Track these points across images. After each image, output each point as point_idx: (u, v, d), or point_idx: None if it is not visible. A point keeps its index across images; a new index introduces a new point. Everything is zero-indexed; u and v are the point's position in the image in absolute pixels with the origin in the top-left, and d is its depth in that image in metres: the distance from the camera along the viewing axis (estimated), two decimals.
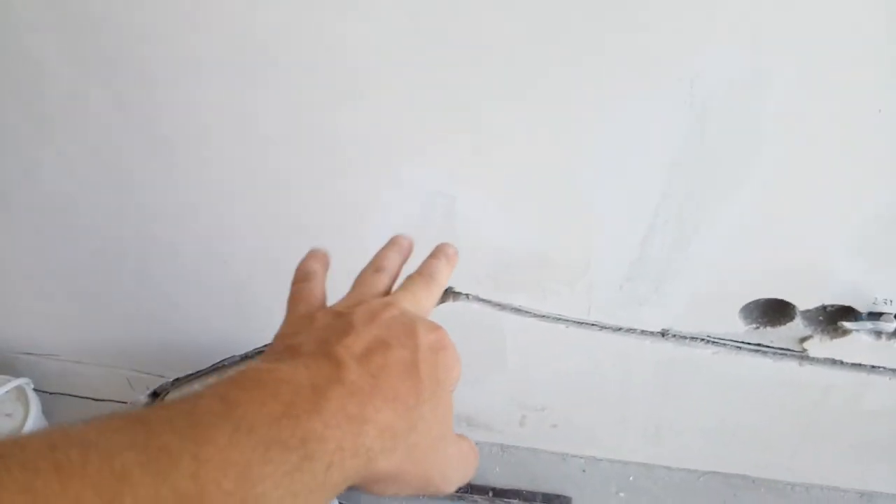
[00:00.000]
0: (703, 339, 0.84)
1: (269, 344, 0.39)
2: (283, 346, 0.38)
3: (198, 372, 1.05)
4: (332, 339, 0.37)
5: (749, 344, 0.84)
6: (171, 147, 0.73)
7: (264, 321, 0.93)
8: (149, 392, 1.11)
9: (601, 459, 1.05)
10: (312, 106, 0.67)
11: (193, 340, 1.00)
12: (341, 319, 0.39)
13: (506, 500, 0.99)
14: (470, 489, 1.00)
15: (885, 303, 0.75)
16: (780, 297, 0.77)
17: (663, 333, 0.85)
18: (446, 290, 0.84)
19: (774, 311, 0.81)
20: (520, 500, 0.99)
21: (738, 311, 0.79)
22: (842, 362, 0.83)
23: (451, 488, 0.42)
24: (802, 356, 0.83)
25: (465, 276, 0.82)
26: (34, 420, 0.99)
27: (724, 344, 0.84)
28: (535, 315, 0.85)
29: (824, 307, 0.77)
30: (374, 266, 0.48)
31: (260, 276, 0.87)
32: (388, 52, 0.61)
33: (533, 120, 0.64)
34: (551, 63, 0.59)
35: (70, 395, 1.14)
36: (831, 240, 0.69)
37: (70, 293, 0.95)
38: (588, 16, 0.55)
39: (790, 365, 0.84)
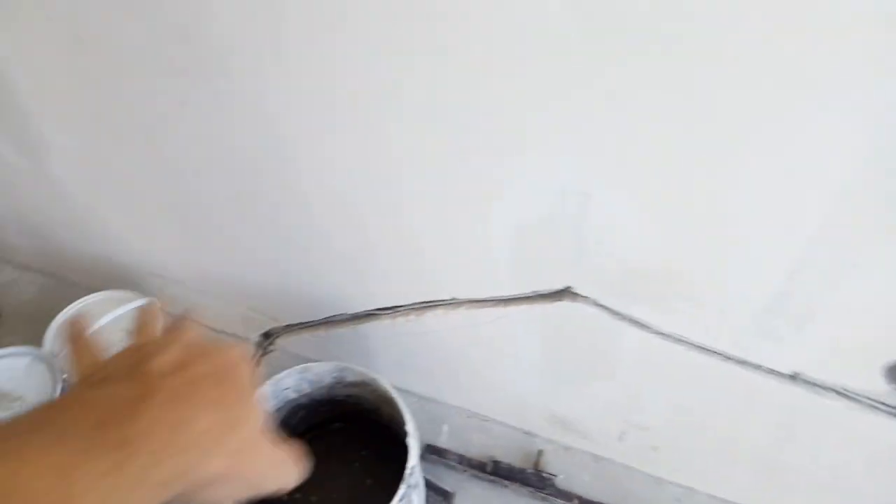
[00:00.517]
0: (836, 391, 0.76)
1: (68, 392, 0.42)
2: (93, 381, 0.40)
3: (309, 322, 1.08)
4: (141, 361, 0.41)
5: (889, 406, 0.75)
6: (327, 106, 0.73)
7: (380, 286, 0.94)
8: (261, 332, 1.15)
9: (700, 492, 0.99)
10: (451, 79, 0.64)
11: (310, 292, 1.01)
12: (144, 348, 0.43)
13: None
14: (558, 493, 0.96)
15: None
16: None
17: (793, 376, 0.77)
18: (564, 290, 0.81)
19: None
20: None
21: (882, 368, 0.71)
22: None
23: (272, 487, 0.46)
24: None
25: (587, 278, 0.78)
26: None
27: (860, 400, 0.76)
28: (655, 332, 0.80)
29: None
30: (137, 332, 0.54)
31: (384, 244, 0.87)
32: (536, 25, 0.57)
33: (691, 119, 0.59)
34: (724, 62, 0.54)
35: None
36: None
37: (204, 227, 0.99)
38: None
39: None
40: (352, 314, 1.01)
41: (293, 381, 0.95)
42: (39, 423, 0.35)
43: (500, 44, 0.59)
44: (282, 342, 1.14)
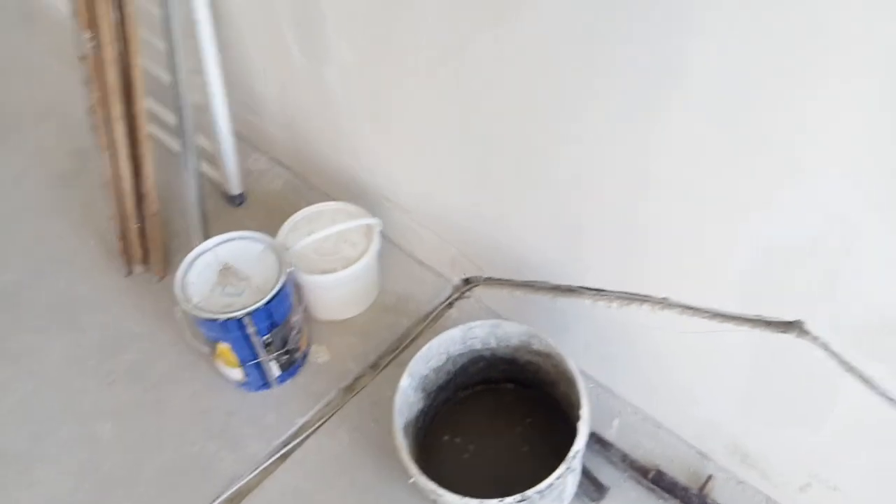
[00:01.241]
0: None
1: None
2: None
3: (511, 280, 1.09)
4: None
5: None
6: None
7: (593, 265, 0.92)
8: (463, 277, 1.18)
9: None
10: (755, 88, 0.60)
11: (522, 253, 1.02)
12: None
13: None
14: None
15: None
16: None
17: None
18: (794, 323, 0.75)
19: None
20: None
21: None
22: None
23: None
24: None
25: (826, 317, 0.71)
26: (370, 257, 1.10)
27: None
28: (885, 395, 0.72)
29: None
30: None
31: (608, 226, 0.85)
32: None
33: None
34: None
35: (404, 249, 1.25)
36: None
37: (444, 168, 1.02)
38: None
39: None
40: (554, 284, 1.00)
41: (483, 332, 0.96)
42: None
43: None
44: (479, 292, 1.16)
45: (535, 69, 0.79)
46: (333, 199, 1.17)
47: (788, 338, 0.75)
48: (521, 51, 0.78)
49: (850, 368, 0.72)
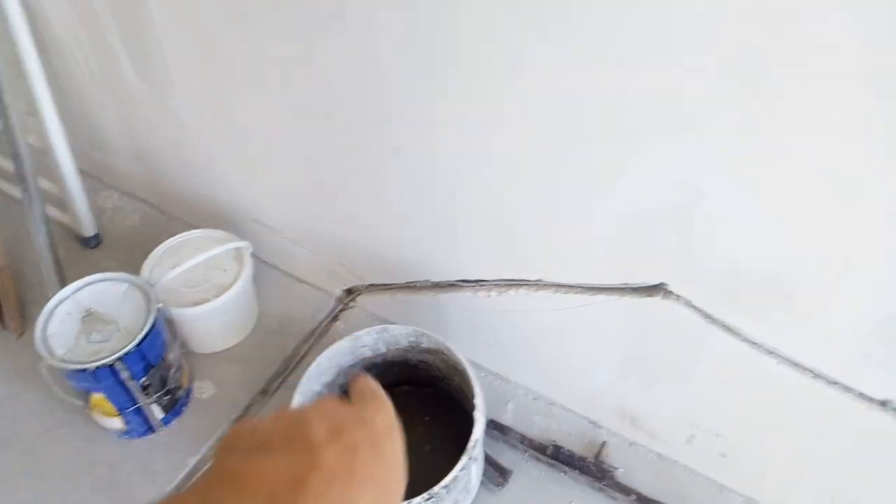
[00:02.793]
0: None
1: (229, 435, 0.41)
2: (251, 447, 0.38)
3: (392, 284, 1.08)
4: (298, 428, 0.39)
5: None
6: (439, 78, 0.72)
7: (468, 258, 0.93)
8: (343, 288, 1.16)
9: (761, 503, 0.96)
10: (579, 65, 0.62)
11: (399, 256, 1.01)
12: (298, 413, 0.41)
13: None
14: (616, 486, 0.95)
15: None
16: None
17: (883, 403, 0.73)
18: (658, 286, 0.78)
19: None
20: None
21: None
22: None
23: None
24: None
25: (686, 277, 0.75)
26: (244, 281, 1.06)
27: None
28: (747, 340, 0.77)
29: None
30: None
31: (477, 219, 0.86)
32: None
33: (837, 110, 0.55)
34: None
35: (279, 268, 1.21)
36: None
37: (306, 180, 1.00)
38: None
39: None
40: (434, 282, 1.01)
41: (371, 339, 0.95)
42: (200, 501, 0.34)
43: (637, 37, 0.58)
44: (363, 300, 1.14)
45: (368, 73, 0.78)
46: (197, 227, 1.11)
47: (655, 301, 0.79)
48: (363, 58, 0.78)
49: (714, 321, 0.77)
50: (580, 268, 0.83)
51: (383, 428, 0.43)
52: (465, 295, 0.98)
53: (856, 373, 0.72)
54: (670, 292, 0.78)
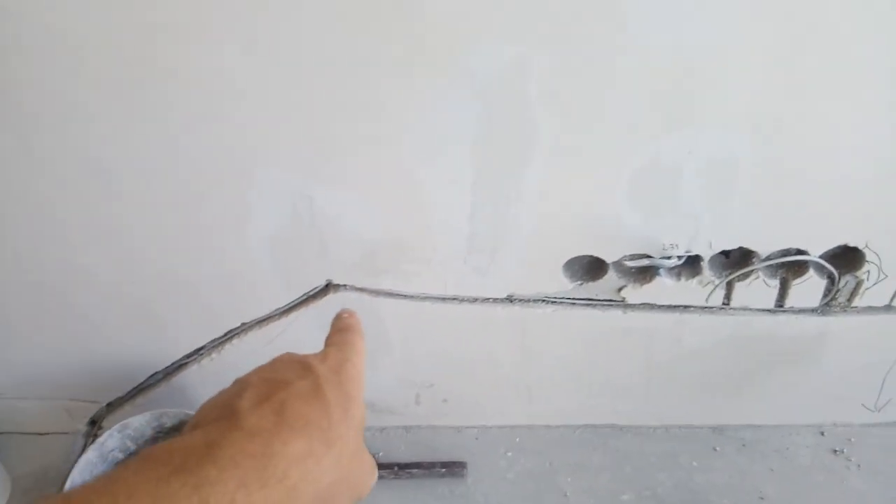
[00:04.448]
0: (541, 300, 0.98)
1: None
2: (184, 431, 0.38)
3: (128, 394, 1.14)
4: (229, 400, 0.39)
5: (579, 299, 0.97)
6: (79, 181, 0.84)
7: (179, 336, 1.04)
8: (87, 421, 1.19)
9: (491, 427, 1.16)
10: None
11: (118, 363, 1.07)
12: (238, 384, 0.41)
13: (409, 471, 1.09)
14: (378, 466, 1.09)
15: (672, 247, 0.89)
16: (589, 253, 0.91)
17: (510, 299, 0.97)
18: (327, 285, 0.96)
19: (593, 267, 0.95)
20: (421, 469, 1.09)
21: (562, 271, 0.93)
22: (656, 305, 0.97)
23: (367, 493, 0.45)
24: (624, 305, 0.97)
25: (338, 267, 0.94)
26: None
27: (560, 302, 0.98)
28: (405, 296, 0.97)
29: (630, 257, 0.92)
30: None
31: (165, 292, 0.97)
32: (237, 74, 0.74)
33: (362, 118, 0.77)
34: (371, 74, 0.73)
35: (17, 432, 1.20)
36: (613, 196, 0.84)
37: (4, 331, 1.04)
38: (391, 32, 0.70)
39: (616, 314, 0.98)
40: (163, 370, 1.09)
41: (116, 442, 0.99)
42: (98, 489, 0.32)
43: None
44: (110, 420, 1.18)
45: None
46: None
47: (330, 297, 0.96)
48: None
49: (376, 292, 0.96)
50: (267, 298, 0.98)
51: (329, 370, 0.43)
52: (192, 369, 1.07)
53: (479, 285, 0.95)
54: (337, 285, 0.96)
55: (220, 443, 0.35)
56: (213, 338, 1.04)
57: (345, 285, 0.96)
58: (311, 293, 0.97)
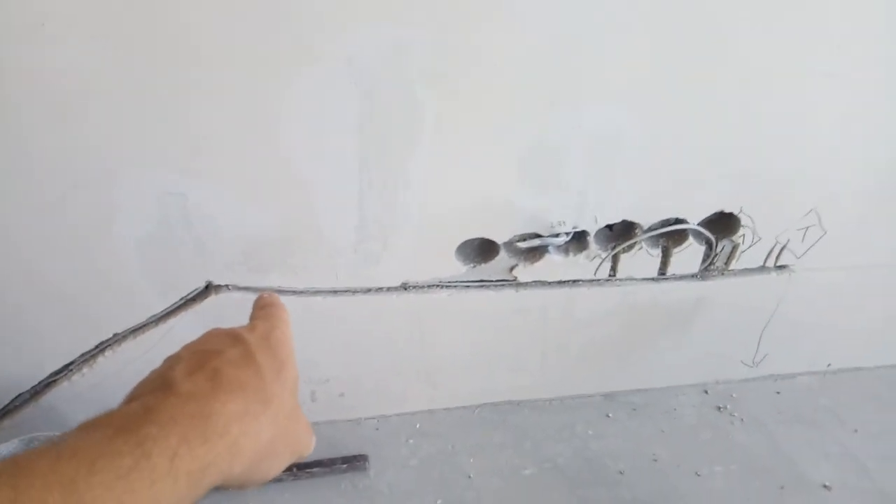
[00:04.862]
0: (436, 285, 0.96)
1: None
2: (122, 402, 0.39)
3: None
4: (162, 373, 0.41)
5: (473, 282, 0.96)
6: None
7: (39, 348, 0.94)
8: None
9: (390, 416, 1.14)
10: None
11: None
12: (169, 360, 0.43)
13: (309, 470, 1.05)
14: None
15: (560, 224, 0.90)
16: (480, 235, 0.90)
17: (404, 286, 0.95)
18: (207, 287, 0.90)
19: (484, 249, 0.94)
20: (321, 467, 1.05)
21: (454, 255, 0.92)
22: (547, 282, 0.98)
23: (306, 452, 0.47)
24: (516, 283, 0.97)
25: (217, 267, 0.87)
26: None
27: (455, 286, 0.96)
28: (293, 292, 0.93)
29: (521, 237, 0.92)
30: None
31: (29, 302, 0.88)
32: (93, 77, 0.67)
33: (236, 112, 0.72)
34: (240, 63, 0.68)
35: None
36: (502, 177, 0.83)
37: None
38: (260, 19, 0.65)
39: (509, 293, 0.98)
40: (29, 390, 0.99)
41: None
42: (52, 446, 0.34)
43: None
44: None
45: None
46: None
47: (212, 300, 0.90)
48: None
49: (260, 290, 0.91)
50: (140, 305, 0.91)
51: (258, 337, 0.45)
52: (63, 386, 0.98)
53: (373, 275, 0.92)
54: (218, 286, 0.90)
55: (159, 407, 0.36)
56: (83, 351, 0.95)
57: (227, 285, 0.90)
58: (190, 296, 0.91)
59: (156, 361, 0.43)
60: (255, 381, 0.41)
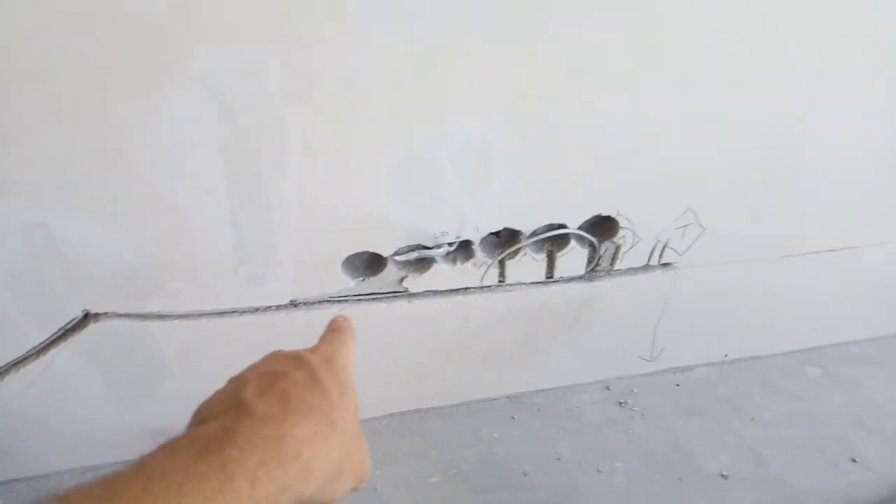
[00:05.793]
0: (326, 301, 0.95)
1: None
2: (194, 423, 0.41)
3: None
4: (232, 394, 0.41)
5: (364, 295, 0.96)
6: None
7: None
8: None
9: None
10: None
11: None
12: (235, 381, 0.44)
13: None
14: None
15: (443, 234, 0.90)
16: (364, 249, 0.89)
17: (293, 304, 0.94)
18: (86, 316, 0.87)
19: (372, 263, 0.94)
20: None
21: (341, 270, 0.91)
22: (439, 291, 0.98)
23: (367, 475, 0.47)
24: (408, 294, 0.97)
25: (93, 295, 0.85)
26: None
27: (346, 300, 0.96)
28: (176, 316, 0.90)
29: (408, 248, 0.91)
30: None
31: None
32: None
33: (90, 137, 0.70)
34: (90, 87, 0.66)
35: None
36: (375, 191, 0.83)
37: None
38: (106, 41, 0.63)
39: (402, 304, 0.97)
40: None
41: None
42: (140, 467, 0.34)
43: None
44: None
45: None
46: None
47: (91, 328, 0.87)
48: None
49: (142, 316, 0.89)
50: (17, 339, 0.87)
51: (321, 359, 0.45)
52: None
53: (257, 294, 0.91)
54: (97, 315, 0.87)
55: (236, 428, 0.37)
56: None
57: (106, 313, 0.88)
58: (69, 326, 0.88)
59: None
60: (322, 403, 0.42)
